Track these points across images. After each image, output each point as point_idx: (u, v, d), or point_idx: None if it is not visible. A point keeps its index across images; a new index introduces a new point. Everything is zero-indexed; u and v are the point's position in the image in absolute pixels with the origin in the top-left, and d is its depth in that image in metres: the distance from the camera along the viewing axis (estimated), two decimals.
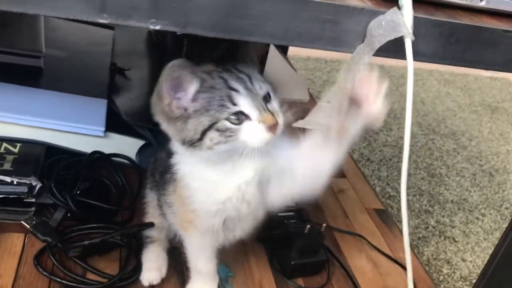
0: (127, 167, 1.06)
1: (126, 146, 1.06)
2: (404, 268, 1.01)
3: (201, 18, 0.49)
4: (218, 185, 0.71)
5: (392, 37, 0.52)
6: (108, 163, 1.05)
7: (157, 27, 0.49)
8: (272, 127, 0.64)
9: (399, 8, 0.52)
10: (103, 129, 1.03)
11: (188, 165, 0.72)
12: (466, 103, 2.38)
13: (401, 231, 1.06)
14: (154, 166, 0.90)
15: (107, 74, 1.21)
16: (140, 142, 1.08)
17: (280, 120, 0.66)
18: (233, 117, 0.63)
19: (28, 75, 1.12)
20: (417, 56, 0.56)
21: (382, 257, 1.04)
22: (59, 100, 1.07)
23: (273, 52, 1.54)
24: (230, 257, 0.91)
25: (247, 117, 0.64)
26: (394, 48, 0.54)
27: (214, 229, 0.76)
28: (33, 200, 0.91)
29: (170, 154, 0.74)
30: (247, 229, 0.80)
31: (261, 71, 0.72)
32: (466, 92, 2.50)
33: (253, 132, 0.64)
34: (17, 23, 1.21)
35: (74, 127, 1.01)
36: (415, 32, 0.53)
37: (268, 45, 1.26)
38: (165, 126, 0.67)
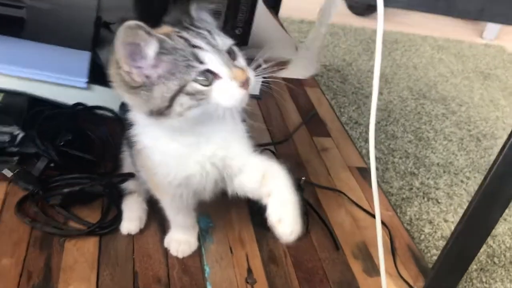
0: (110, 119, 1.07)
1: (110, 98, 1.06)
2: (384, 224, 1.02)
3: None
4: (181, 160, 0.69)
5: None
6: (91, 115, 1.06)
7: None
8: (244, 83, 0.61)
9: None
10: (86, 80, 1.04)
11: (150, 138, 0.70)
12: (459, 69, 2.37)
13: (383, 191, 1.07)
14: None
15: (91, 27, 1.19)
16: None
17: (251, 74, 0.63)
18: (201, 77, 0.60)
19: (10, 26, 1.11)
20: (390, 3, 0.56)
21: (361, 212, 1.05)
22: (41, 51, 1.07)
23: (262, 10, 1.52)
24: (211, 209, 0.92)
25: (216, 75, 0.61)
26: None
27: (183, 197, 0.76)
28: (16, 149, 0.93)
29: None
30: (219, 191, 0.79)
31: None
32: (459, 59, 2.49)
33: (226, 91, 0.61)
34: None
35: (56, 77, 1.02)
36: None
37: None
38: (127, 98, 0.63)
